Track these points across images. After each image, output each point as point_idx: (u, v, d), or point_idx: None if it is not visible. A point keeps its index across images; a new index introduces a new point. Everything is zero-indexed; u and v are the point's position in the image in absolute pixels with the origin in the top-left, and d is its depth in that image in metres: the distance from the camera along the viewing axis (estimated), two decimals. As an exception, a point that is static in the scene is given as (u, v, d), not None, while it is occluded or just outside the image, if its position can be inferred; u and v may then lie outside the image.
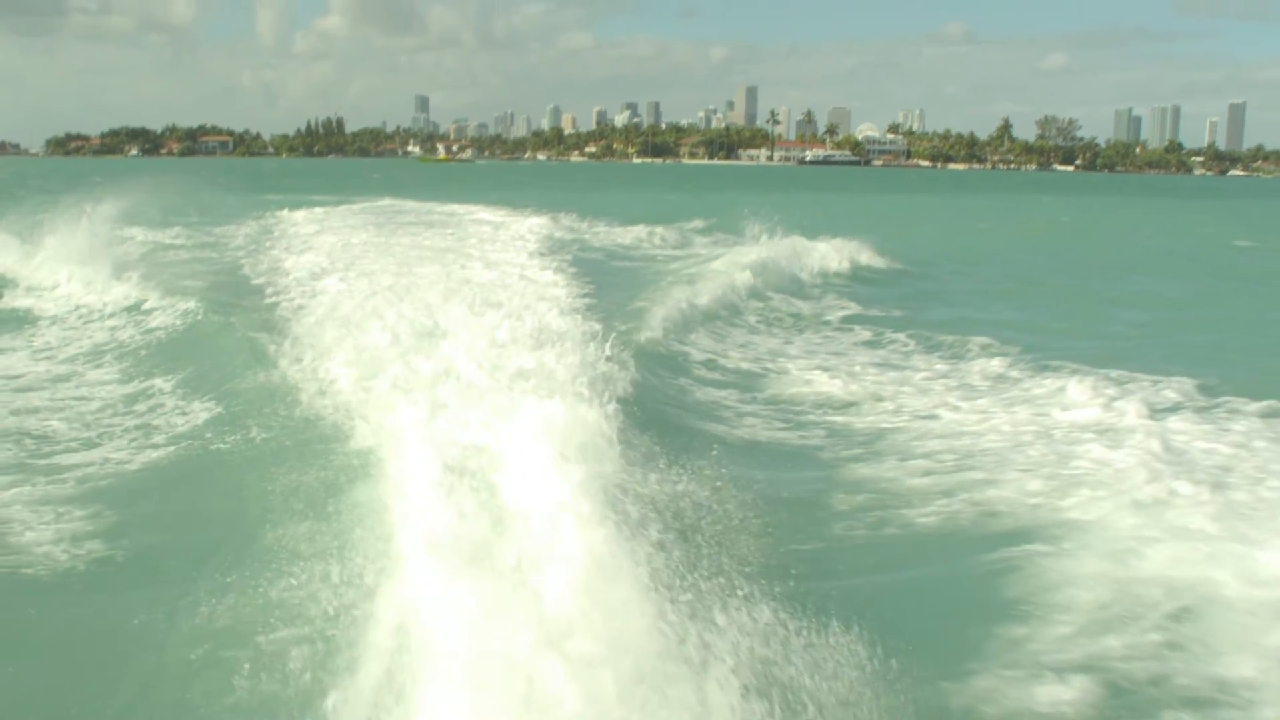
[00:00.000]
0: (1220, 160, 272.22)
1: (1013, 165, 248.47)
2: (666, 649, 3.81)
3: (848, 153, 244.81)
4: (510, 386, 7.10)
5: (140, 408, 9.23)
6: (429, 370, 7.70)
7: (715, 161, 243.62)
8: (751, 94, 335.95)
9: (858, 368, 11.51)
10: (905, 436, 8.65)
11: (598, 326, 9.93)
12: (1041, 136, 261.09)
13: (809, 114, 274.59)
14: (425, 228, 27.45)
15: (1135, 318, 17.00)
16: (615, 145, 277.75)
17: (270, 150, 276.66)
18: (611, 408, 6.29)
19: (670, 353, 11.66)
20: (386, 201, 40.69)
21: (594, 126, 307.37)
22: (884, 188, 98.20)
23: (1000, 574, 5.77)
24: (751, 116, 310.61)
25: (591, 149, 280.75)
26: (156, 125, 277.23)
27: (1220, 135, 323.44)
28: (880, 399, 10.04)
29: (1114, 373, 10.70)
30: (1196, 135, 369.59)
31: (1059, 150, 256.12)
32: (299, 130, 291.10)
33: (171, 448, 7.95)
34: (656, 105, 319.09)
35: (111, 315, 13.78)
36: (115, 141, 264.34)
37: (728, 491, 6.69)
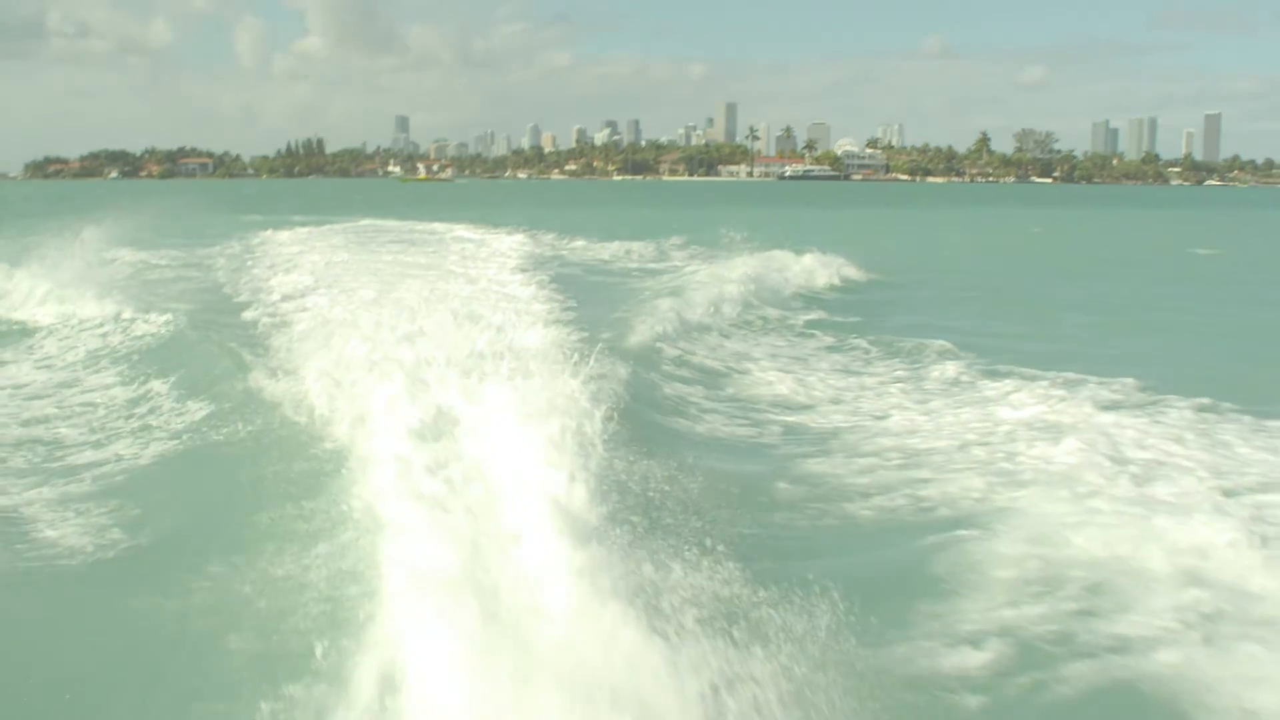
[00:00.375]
0: (1197, 171, 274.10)
1: (991, 178, 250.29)
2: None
3: (827, 168, 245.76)
4: (484, 386, 7.45)
5: (140, 409, 9.81)
6: (410, 357, 8.10)
7: (695, 178, 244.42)
8: (731, 110, 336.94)
9: (818, 372, 12.02)
10: (857, 436, 9.06)
11: (576, 336, 10.42)
12: (1019, 149, 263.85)
13: (788, 130, 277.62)
14: (408, 245, 27.96)
15: (1087, 321, 17.52)
16: (595, 163, 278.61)
17: (250, 172, 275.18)
18: (599, 414, 6.63)
19: (647, 359, 12.00)
20: (366, 222, 41.02)
21: (574, 144, 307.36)
22: (862, 202, 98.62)
23: (929, 556, 6.09)
24: (731, 133, 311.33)
25: (572, 167, 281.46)
26: (136, 148, 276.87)
27: (1197, 146, 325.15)
28: (838, 401, 10.53)
29: (1063, 375, 11.10)
30: (1173, 146, 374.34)
31: (1037, 163, 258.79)
32: (279, 151, 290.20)
33: (174, 442, 8.59)
34: (636, 123, 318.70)
35: (100, 325, 14.17)
36: (95, 164, 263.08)
37: (685, 481, 7.08)
